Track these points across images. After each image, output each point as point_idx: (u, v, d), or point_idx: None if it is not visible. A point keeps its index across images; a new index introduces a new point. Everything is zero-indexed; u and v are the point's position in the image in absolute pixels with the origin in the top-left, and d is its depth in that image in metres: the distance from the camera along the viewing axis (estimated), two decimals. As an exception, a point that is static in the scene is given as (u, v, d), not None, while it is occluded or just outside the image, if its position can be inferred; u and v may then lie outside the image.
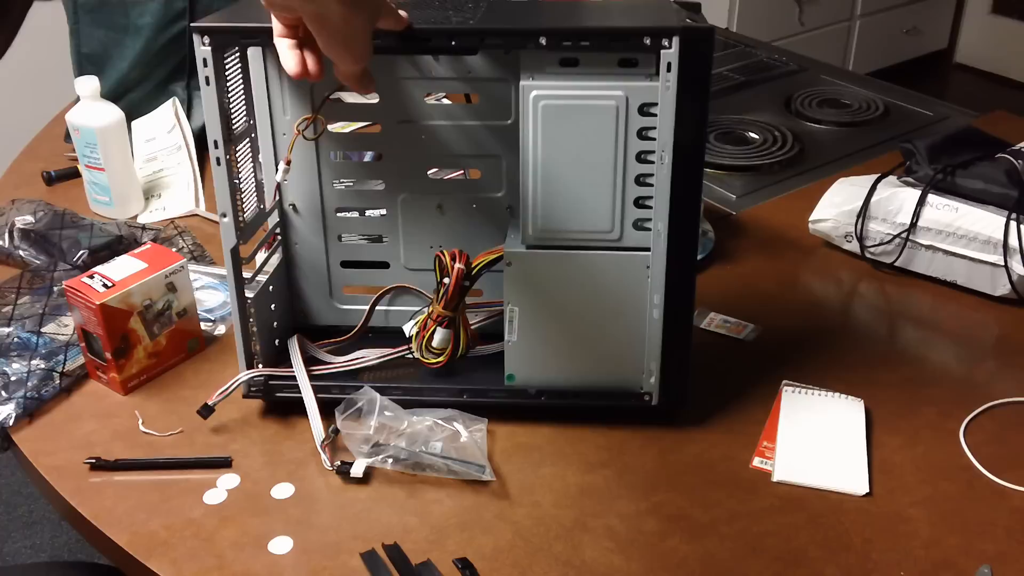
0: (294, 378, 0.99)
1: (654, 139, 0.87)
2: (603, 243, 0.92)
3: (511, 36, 0.87)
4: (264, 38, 0.84)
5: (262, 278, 1.00)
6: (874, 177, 1.25)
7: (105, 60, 1.53)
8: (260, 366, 0.99)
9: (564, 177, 0.89)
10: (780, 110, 1.71)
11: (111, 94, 1.47)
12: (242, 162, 0.95)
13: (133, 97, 1.53)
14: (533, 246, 0.92)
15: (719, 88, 1.80)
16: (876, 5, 3.74)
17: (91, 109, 1.33)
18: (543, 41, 0.84)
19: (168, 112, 1.50)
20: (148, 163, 1.47)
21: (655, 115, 0.86)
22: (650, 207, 0.89)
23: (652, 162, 0.88)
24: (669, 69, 0.83)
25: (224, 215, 0.92)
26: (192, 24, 0.85)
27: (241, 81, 0.95)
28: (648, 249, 0.91)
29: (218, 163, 0.90)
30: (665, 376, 0.95)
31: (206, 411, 0.97)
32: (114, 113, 1.34)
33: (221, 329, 1.13)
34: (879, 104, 1.70)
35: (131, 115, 1.47)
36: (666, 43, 0.83)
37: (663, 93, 0.85)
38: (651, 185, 0.88)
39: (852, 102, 1.72)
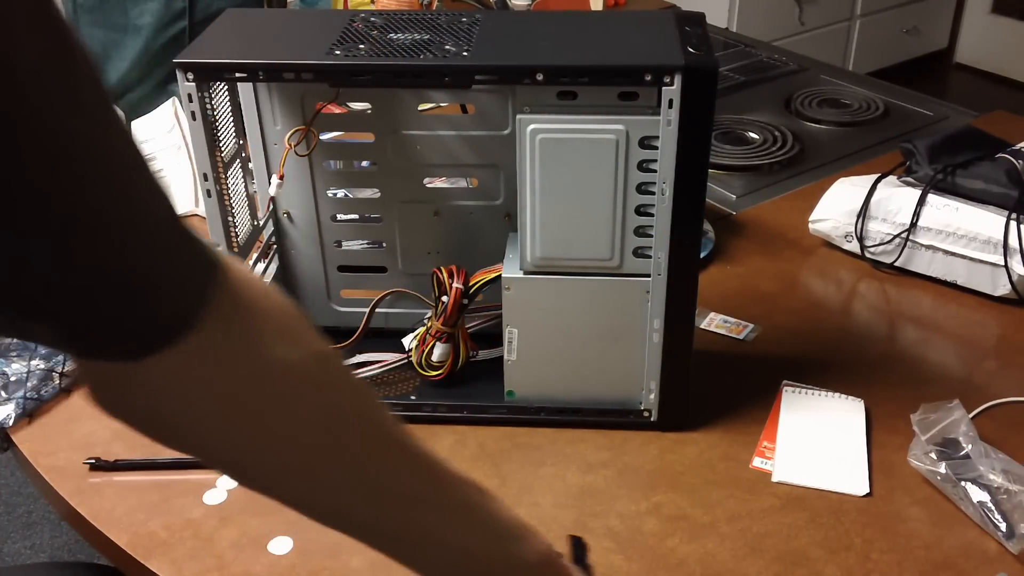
0: None
1: (655, 171, 0.85)
2: (602, 270, 0.91)
3: (507, 72, 0.84)
4: (251, 73, 0.82)
5: None
6: (874, 177, 1.25)
7: (104, 60, 1.53)
8: None
9: (563, 207, 0.87)
10: (780, 110, 1.71)
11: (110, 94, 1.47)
12: (233, 186, 0.94)
13: (132, 97, 1.53)
14: (531, 272, 0.92)
15: (719, 88, 1.79)
16: (876, 5, 3.74)
17: (91, 109, 1.32)
18: (540, 77, 0.81)
19: (168, 112, 1.50)
20: (148, 163, 1.47)
21: (656, 148, 0.84)
22: (650, 235, 0.88)
23: (653, 193, 0.86)
24: (671, 105, 0.81)
25: (218, 245, 0.91)
26: (175, 60, 0.83)
27: (228, 102, 0.93)
28: (648, 275, 0.90)
29: (208, 195, 0.89)
30: (664, 393, 0.95)
31: None
32: (114, 113, 1.34)
33: (221, 329, 1.13)
34: (879, 104, 1.70)
35: (130, 115, 1.47)
36: (668, 79, 0.81)
37: (664, 128, 0.83)
38: (651, 215, 0.87)
39: (852, 102, 1.71)
